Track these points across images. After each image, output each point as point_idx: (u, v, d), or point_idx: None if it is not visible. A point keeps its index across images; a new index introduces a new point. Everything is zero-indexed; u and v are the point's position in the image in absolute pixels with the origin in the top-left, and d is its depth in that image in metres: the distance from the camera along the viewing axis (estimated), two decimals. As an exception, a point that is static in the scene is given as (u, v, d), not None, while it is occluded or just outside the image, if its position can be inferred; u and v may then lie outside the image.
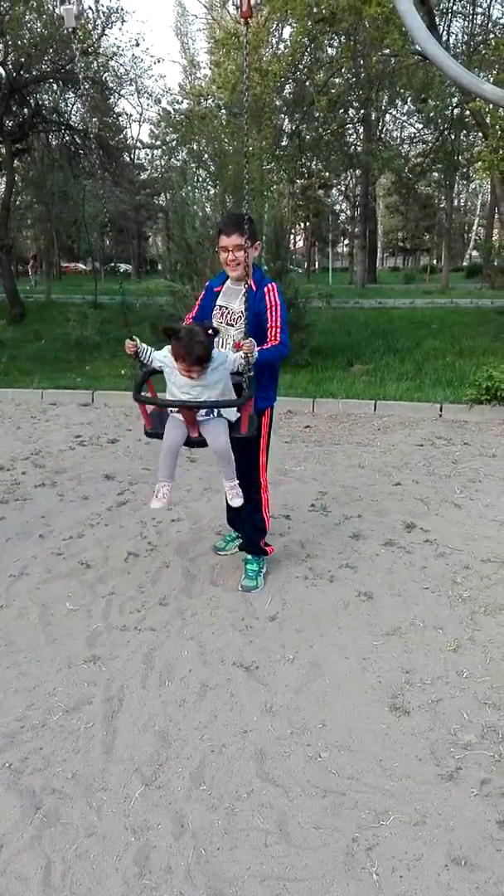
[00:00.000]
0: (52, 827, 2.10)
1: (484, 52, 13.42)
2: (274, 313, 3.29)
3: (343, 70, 14.56)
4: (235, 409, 3.24)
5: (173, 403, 3.11)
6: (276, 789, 2.24)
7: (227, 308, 3.42)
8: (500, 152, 10.69)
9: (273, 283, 3.40)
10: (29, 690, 2.78)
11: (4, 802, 2.19)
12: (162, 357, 3.14)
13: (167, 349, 3.11)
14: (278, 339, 3.31)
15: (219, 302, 3.47)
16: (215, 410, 3.19)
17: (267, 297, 3.34)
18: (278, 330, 3.31)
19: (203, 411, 3.16)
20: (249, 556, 3.76)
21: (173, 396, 3.13)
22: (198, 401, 3.09)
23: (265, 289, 3.36)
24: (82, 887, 1.89)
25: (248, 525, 3.73)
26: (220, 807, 2.17)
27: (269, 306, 3.31)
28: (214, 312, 3.44)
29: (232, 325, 3.38)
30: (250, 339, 3.06)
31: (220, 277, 3.54)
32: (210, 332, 2.97)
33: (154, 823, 2.11)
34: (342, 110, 16.31)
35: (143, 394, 3.26)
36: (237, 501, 3.30)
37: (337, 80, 15.12)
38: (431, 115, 17.89)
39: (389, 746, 2.43)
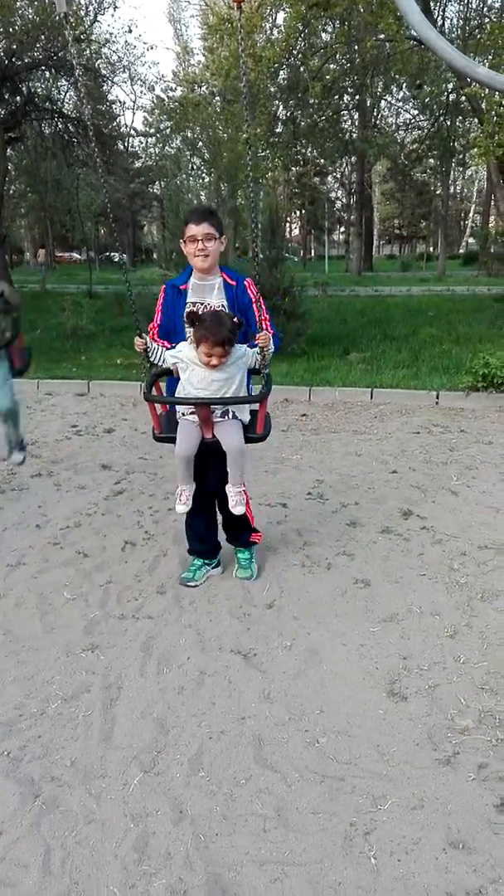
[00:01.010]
0: (52, 814, 2.11)
1: (479, 36, 13.33)
2: (261, 306, 3.06)
3: (337, 55, 14.46)
4: (249, 408, 3.20)
5: (188, 401, 3.04)
6: (274, 775, 2.25)
7: (201, 304, 3.20)
8: (496, 138, 10.64)
9: (249, 278, 3.26)
10: (27, 679, 2.78)
11: (3, 790, 2.20)
12: (176, 353, 3.08)
13: (182, 345, 3.09)
14: (272, 330, 3.17)
15: (190, 299, 3.23)
16: (230, 412, 3.13)
17: (249, 291, 3.23)
18: (268, 322, 3.15)
19: (218, 412, 3.09)
20: (240, 547, 3.71)
21: (188, 395, 3.07)
22: (214, 398, 3.03)
23: (245, 282, 3.27)
24: (82, 873, 1.90)
25: (234, 525, 3.59)
26: (219, 793, 2.18)
27: (253, 299, 3.12)
28: (188, 311, 3.11)
29: None
30: (265, 332, 3.00)
31: (183, 276, 3.33)
32: (235, 320, 2.95)
33: (153, 810, 2.12)
34: (337, 96, 16.23)
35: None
36: (239, 509, 3.24)
37: (331, 66, 15.02)
38: (427, 100, 17.82)
39: (387, 732, 2.44)
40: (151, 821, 2.08)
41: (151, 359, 3.12)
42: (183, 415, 3.18)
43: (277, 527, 4.24)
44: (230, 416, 3.14)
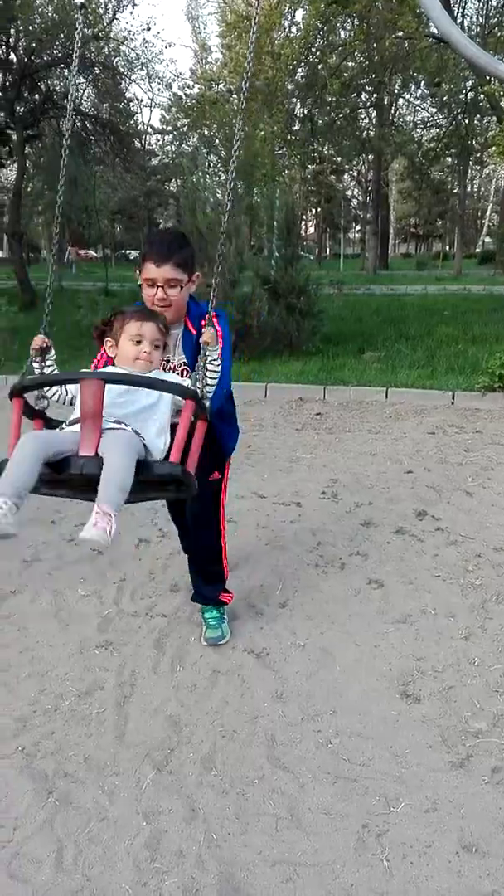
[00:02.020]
0: (65, 810, 2.12)
1: (500, 34, 13.23)
2: (223, 339, 2.44)
3: (356, 53, 14.41)
4: (163, 436, 2.22)
5: (86, 374, 2.05)
6: (286, 775, 2.24)
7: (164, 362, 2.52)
8: (515, 136, 10.56)
9: (216, 311, 2.41)
10: (41, 675, 2.80)
11: (17, 786, 2.21)
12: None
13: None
14: (221, 362, 2.41)
15: None
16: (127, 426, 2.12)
17: (215, 326, 2.40)
18: (219, 356, 2.40)
19: (112, 419, 2.08)
20: (206, 606, 3.11)
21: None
22: (140, 376, 2.21)
23: (204, 319, 2.41)
24: (94, 870, 1.91)
25: (203, 577, 3.08)
26: (232, 792, 2.18)
27: (219, 334, 2.40)
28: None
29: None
30: (212, 329, 2.32)
31: None
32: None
33: (165, 808, 2.12)
34: (355, 94, 16.19)
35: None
36: (90, 532, 1.87)
37: (350, 64, 14.98)
38: (445, 98, 17.72)
39: (400, 733, 2.43)
40: (164, 819, 2.08)
41: (46, 363, 2.39)
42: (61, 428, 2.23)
43: (291, 526, 4.24)
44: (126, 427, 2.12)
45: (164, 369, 2.50)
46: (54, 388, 2.34)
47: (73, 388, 2.27)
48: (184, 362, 2.60)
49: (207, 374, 2.32)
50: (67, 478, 2.05)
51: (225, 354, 2.46)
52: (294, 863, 1.92)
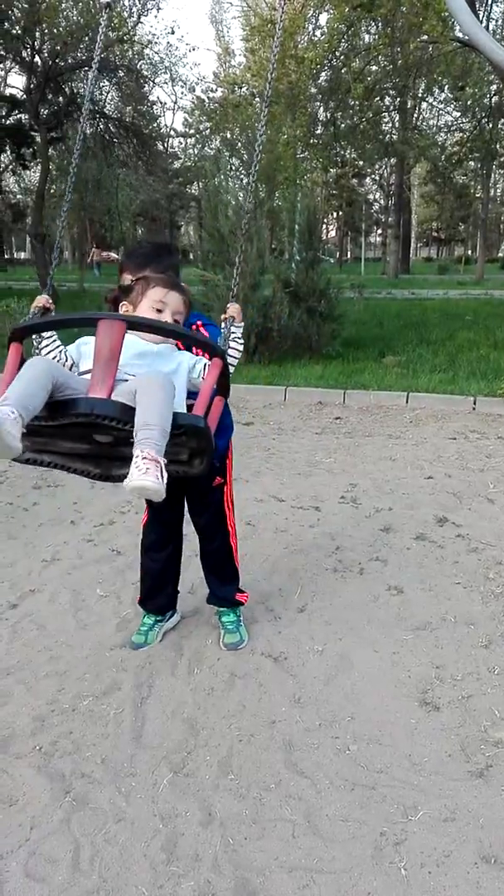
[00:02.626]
0: (82, 811, 2.12)
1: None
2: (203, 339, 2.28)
3: (380, 57, 14.37)
4: (186, 393, 2.07)
5: (94, 316, 1.80)
6: (304, 781, 2.23)
7: None
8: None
9: (200, 319, 2.50)
10: (59, 675, 2.81)
11: (35, 785, 2.22)
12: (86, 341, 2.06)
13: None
14: (241, 343, 2.35)
15: None
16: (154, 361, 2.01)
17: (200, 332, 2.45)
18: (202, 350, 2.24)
19: (132, 367, 1.91)
20: (223, 609, 3.10)
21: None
22: (169, 324, 2.08)
23: (191, 327, 2.44)
24: (111, 872, 1.91)
25: (218, 577, 3.07)
26: (248, 796, 2.17)
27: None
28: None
29: None
30: (236, 304, 2.27)
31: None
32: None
33: (182, 811, 2.12)
34: (378, 98, 16.15)
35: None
36: (140, 479, 1.64)
37: (373, 68, 14.94)
38: (469, 102, 17.62)
39: (419, 741, 2.41)
40: (180, 822, 2.08)
41: (43, 338, 2.11)
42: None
43: (310, 530, 4.22)
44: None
45: None
46: (52, 347, 2.10)
47: (73, 354, 2.10)
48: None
49: (229, 350, 2.23)
50: (70, 422, 1.74)
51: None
52: (310, 869, 1.91)
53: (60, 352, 2.09)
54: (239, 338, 2.28)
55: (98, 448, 1.86)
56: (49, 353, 2.07)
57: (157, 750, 2.38)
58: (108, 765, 2.31)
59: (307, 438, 6.35)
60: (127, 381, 1.80)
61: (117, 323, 1.71)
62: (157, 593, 3.03)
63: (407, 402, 7.61)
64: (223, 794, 2.18)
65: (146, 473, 1.62)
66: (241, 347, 2.30)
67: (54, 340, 2.11)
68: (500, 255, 49.13)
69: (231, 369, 2.13)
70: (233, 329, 2.23)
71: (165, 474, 1.65)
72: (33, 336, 2.08)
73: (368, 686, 2.71)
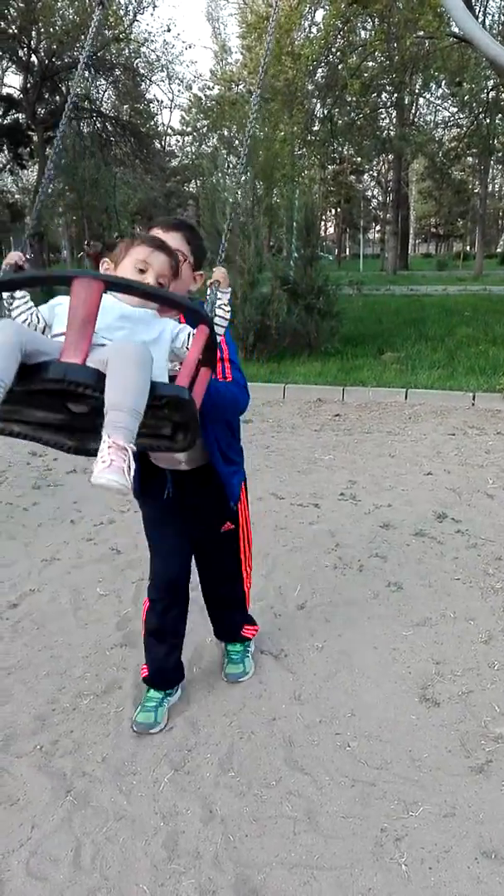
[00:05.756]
0: (83, 809, 2.12)
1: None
2: (222, 346, 2.15)
3: (376, 53, 14.36)
4: (169, 361, 1.84)
5: (74, 273, 1.58)
6: (304, 777, 2.23)
7: None
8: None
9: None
10: (60, 674, 2.81)
11: (36, 784, 2.22)
12: (58, 302, 1.81)
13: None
14: (230, 376, 2.25)
15: None
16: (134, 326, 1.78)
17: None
18: (228, 365, 2.25)
19: (111, 331, 1.71)
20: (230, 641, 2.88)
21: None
22: (150, 286, 1.84)
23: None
24: (112, 870, 1.91)
25: (223, 617, 2.83)
26: (249, 794, 2.18)
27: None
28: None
29: None
30: (222, 269, 1.99)
31: None
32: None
33: (183, 809, 2.12)
34: (375, 94, 16.13)
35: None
36: (103, 474, 1.45)
37: (370, 64, 14.92)
38: (466, 98, 17.58)
39: (419, 737, 2.41)
40: (181, 819, 2.08)
41: (15, 298, 1.84)
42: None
43: (309, 527, 4.22)
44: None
45: None
46: (23, 309, 1.84)
47: (46, 315, 1.85)
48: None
49: (216, 318, 1.93)
50: (41, 388, 1.56)
51: (234, 354, 2.28)
52: (311, 866, 1.91)
53: (32, 314, 1.85)
54: (226, 304, 2.01)
55: (72, 419, 1.72)
56: (20, 314, 1.85)
57: (157, 748, 2.38)
58: (109, 763, 2.32)
59: (306, 436, 6.36)
60: (104, 346, 1.64)
61: (94, 281, 1.55)
62: (165, 670, 2.61)
63: (406, 398, 7.61)
64: (224, 791, 2.19)
65: (110, 468, 1.46)
66: (227, 315, 2.02)
67: (26, 301, 1.88)
68: (499, 250, 49.11)
69: (218, 339, 1.90)
70: (219, 295, 1.96)
71: (133, 465, 1.49)
72: (4, 296, 1.86)
73: (368, 682, 2.72)
